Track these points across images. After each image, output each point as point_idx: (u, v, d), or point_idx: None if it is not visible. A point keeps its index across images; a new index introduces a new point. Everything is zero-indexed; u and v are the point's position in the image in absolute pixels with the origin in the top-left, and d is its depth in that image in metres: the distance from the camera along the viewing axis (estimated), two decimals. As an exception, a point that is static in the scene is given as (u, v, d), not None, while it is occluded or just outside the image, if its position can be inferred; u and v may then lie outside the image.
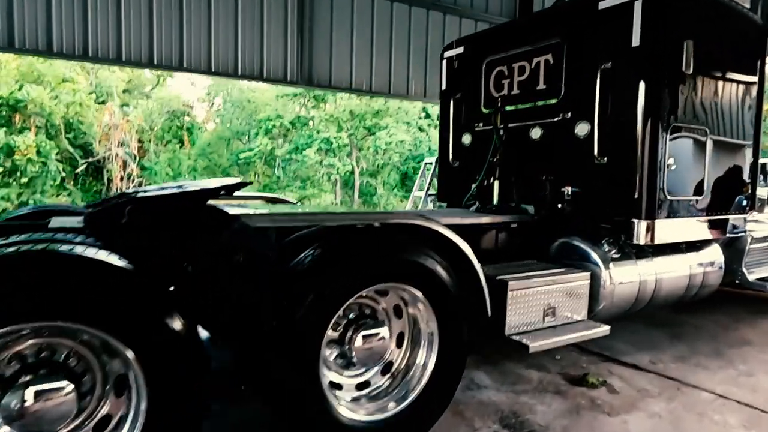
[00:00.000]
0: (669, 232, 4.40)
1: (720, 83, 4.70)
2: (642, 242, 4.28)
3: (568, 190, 4.72)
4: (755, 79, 5.01)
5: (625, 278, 4.30)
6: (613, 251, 4.36)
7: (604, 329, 4.04)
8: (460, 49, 6.00)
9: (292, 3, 7.61)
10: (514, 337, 3.68)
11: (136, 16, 6.79)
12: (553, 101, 4.85)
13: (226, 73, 7.53)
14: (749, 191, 5.14)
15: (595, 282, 4.23)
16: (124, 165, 20.20)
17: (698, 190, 4.58)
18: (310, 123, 24.42)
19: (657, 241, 4.33)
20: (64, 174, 19.27)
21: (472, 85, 5.74)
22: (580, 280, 4.12)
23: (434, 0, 8.61)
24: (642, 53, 4.19)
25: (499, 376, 4.21)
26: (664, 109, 4.25)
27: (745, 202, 5.10)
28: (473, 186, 5.50)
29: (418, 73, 9.04)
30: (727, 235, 5.13)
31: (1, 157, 15.85)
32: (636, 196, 4.25)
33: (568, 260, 4.45)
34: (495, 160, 5.29)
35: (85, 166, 20.46)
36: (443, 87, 6.31)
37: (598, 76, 4.38)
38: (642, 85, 4.20)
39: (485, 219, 4.47)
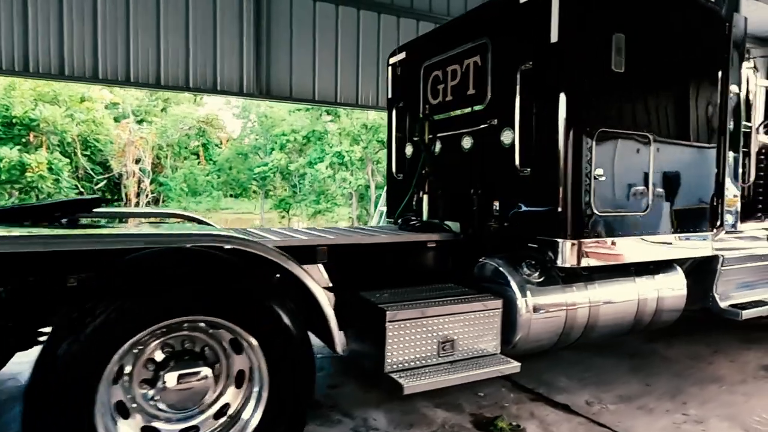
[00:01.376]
0: (601, 253, 3.84)
1: (668, 83, 4.12)
2: (567, 264, 3.73)
3: (496, 205, 4.24)
4: (717, 76, 4.40)
5: (547, 306, 3.75)
6: (535, 275, 3.82)
7: (513, 366, 3.51)
8: (403, 55, 5.61)
9: (247, 13, 7.40)
10: (392, 375, 3.20)
11: (79, 28, 6.68)
12: (480, 107, 4.39)
13: (176, 86, 7.35)
14: (719, 206, 4.50)
15: (510, 310, 3.71)
16: (141, 181, 20.59)
17: (640, 204, 3.99)
18: (329, 136, 24.35)
19: (586, 264, 3.77)
20: (82, 190, 19.82)
21: (413, 92, 5.33)
22: (488, 309, 3.61)
23: (389, 3, 8.17)
24: (561, 50, 3.69)
25: (400, 415, 3.72)
26: (587, 113, 3.72)
27: (711, 219, 4.46)
28: (404, 201, 5.07)
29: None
30: (690, 255, 4.50)
31: (15, 174, 16.33)
32: (559, 211, 3.72)
33: (487, 284, 3.94)
34: (424, 172, 4.84)
35: (105, 182, 20.99)
36: (389, 95, 5.93)
37: (518, 77, 3.90)
38: (562, 87, 3.70)
39: (389, 238, 4.01)
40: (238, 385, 2.83)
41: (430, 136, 4.90)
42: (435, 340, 3.41)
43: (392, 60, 5.79)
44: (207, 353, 2.76)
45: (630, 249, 3.97)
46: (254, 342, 2.68)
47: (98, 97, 20.35)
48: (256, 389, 2.77)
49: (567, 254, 3.72)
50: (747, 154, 5.28)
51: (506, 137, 4.09)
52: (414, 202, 5.21)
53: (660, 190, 4.09)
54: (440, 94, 4.93)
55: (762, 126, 5.48)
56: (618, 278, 4.15)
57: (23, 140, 16.95)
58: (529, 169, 3.90)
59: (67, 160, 18.44)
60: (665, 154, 4.10)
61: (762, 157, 5.47)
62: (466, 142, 4.55)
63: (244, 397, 2.83)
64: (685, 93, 4.24)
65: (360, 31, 8.22)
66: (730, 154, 4.57)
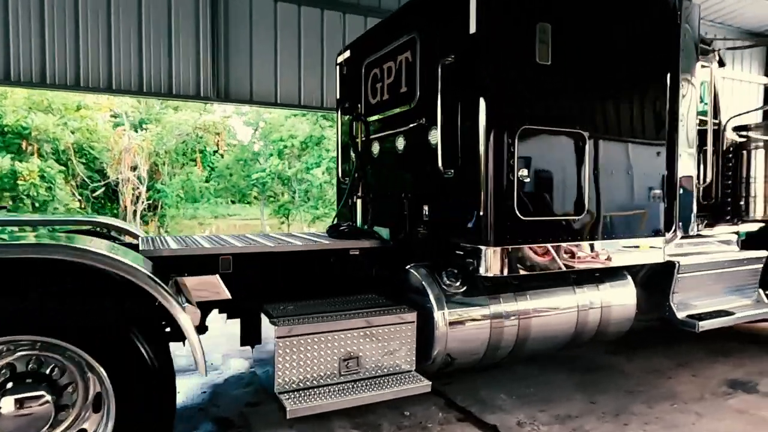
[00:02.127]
0: (529, 261, 3.54)
1: (606, 75, 3.81)
2: (491, 273, 3.43)
3: (425, 209, 3.97)
4: (666, 68, 4.08)
5: (467, 319, 3.47)
6: (457, 285, 3.54)
7: (423, 385, 3.23)
8: (348, 53, 5.37)
9: (203, 15, 7.21)
10: (281, 396, 2.94)
11: (26, 32, 6.53)
12: (411, 106, 4.12)
13: (129, 90, 7.16)
14: (672, 209, 4.17)
15: (427, 323, 3.43)
16: (135, 188, 20.60)
17: (575, 208, 3.69)
18: (326, 142, 24.18)
19: (511, 273, 3.48)
20: (80, 198, 19.86)
21: (356, 91, 5.09)
22: (401, 322, 3.33)
23: (355, 3, 7.87)
24: (479, 41, 3.42)
25: (309, 437, 3.45)
26: (508, 109, 3.44)
27: (661, 223, 4.12)
28: (338, 207, 4.82)
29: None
30: (636, 262, 4.17)
31: (8, 182, 16.37)
32: (481, 215, 3.43)
33: (409, 294, 3.67)
34: (357, 176, 4.59)
35: (103, 189, 21.02)
36: (337, 95, 5.69)
37: (440, 72, 3.63)
38: (480, 81, 3.42)
39: (303, 246, 3.75)
40: (96, 410, 2.59)
41: (366, 138, 4.65)
42: (336, 357, 3.14)
43: (339, 59, 5.56)
44: (57, 375, 2.52)
45: (563, 256, 3.66)
46: (97, 365, 2.44)
47: (107, 105, 20.43)
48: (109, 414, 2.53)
49: (490, 262, 3.42)
50: (714, 152, 4.99)
51: (433, 137, 3.82)
52: (338, 208, 5.00)
53: (598, 192, 3.78)
54: (378, 93, 4.68)
55: (728, 122, 5.14)
56: (553, 288, 3.85)
57: (16, 149, 17.03)
58: (452, 171, 3.62)
59: (63, 168, 18.45)
60: (604, 153, 3.79)
61: (731, 155, 5.12)
62: (399, 144, 4.29)
63: (104, 423, 2.59)
64: (628, 87, 3.92)
65: (324, 31, 7.98)
66: (686, 153, 4.24)
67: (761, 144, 4.97)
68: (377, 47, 4.67)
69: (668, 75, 4.08)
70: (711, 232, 5.15)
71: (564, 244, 3.64)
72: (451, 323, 3.41)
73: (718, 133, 5.09)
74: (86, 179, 19.15)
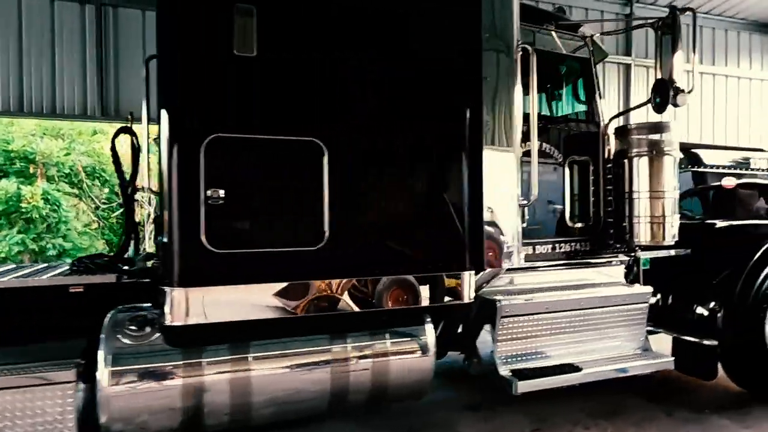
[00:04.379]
0: (234, 307, 2.76)
1: (357, 67, 2.96)
2: (176, 322, 2.70)
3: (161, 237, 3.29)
4: (458, 57, 3.19)
5: (144, 378, 2.73)
6: (144, 334, 2.82)
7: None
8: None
9: (90, 33, 6.91)
10: None
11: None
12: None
13: (7, 112, 6.97)
14: (475, 235, 3.22)
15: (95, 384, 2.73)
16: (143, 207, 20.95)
17: (308, 237, 2.88)
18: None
19: (200, 321, 2.72)
20: (94, 218, 20.47)
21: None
22: (45, 383, 2.65)
23: None
24: (162, 29, 2.75)
25: None
26: (192, 113, 2.71)
27: (465, 254, 3.20)
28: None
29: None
30: (438, 303, 3.26)
31: (15, 205, 17.04)
32: (166, 247, 2.72)
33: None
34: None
35: (120, 210, 21.60)
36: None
37: (145, 70, 2.98)
38: (162, 79, 2.74)
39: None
40: None
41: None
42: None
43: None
44: None
45: (286, 298, 2.86)
46: None
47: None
48: None
49: (174, 307, 2.69)
50: (592, 162, 4.04)
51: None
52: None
53: (352, 217, 2.96)
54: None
55: (608, 124, 4.13)
56: (293, 339, 3.03)
57: (24, 173, 17.78)
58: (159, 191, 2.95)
59: (75, 191, 19.08)
60: (361, 167, 2.98)
61: (610, 166, 4.10)
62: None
63: None
64: (398, 82, 3.05)
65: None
66: (501, 165, 3.33)
67: (645, 150, 3.93)
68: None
69: (465, 67, 3.20)
70: (596, 261, 4.17)
71: (287, 283, 2.85)
72: (123, 383, 2.70)
73: (597, 138, 4.12)
74: (96, 201, 19.75)
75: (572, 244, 4.00)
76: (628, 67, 9.77)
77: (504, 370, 3.37)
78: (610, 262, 4.17)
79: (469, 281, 3.24)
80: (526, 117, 3.56)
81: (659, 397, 4.43)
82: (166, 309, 2.69)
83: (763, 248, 4.17)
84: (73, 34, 6.89)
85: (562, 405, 4.21)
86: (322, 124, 2.90)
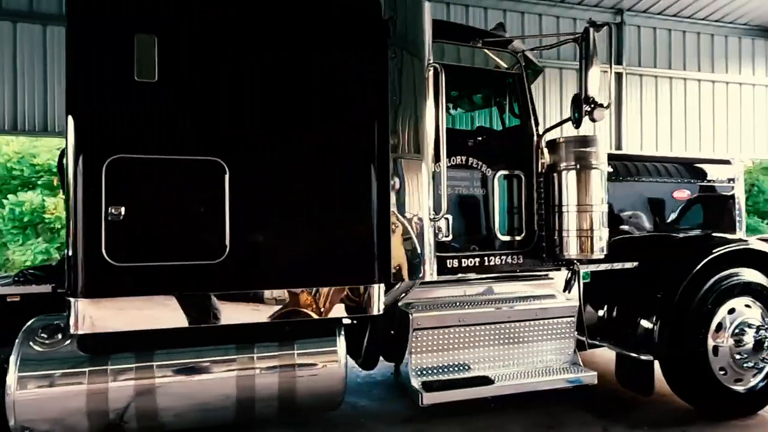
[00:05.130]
0: (129, 317, 2.93)
1: (255, 90, 3.08)
2: (80, 330, 2.87)
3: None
4: (368, 80, 3.30)
5: (49, 382, 2.91)
6: (54, 340, 3.01)
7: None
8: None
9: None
10: None
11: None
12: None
13: (2, 130, 7.45)
14: (384, 250, 3.29)
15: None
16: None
17: (210, 250, 3.02)
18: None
19: (108, 329, 2.90)
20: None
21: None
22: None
23: None
24: (69, 55, 2.95)
25: None
26: (91, 134, 2.90)
27: (374, 267, 3.28)
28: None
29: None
30: (345, 315, 3.36)
31: (40, 216, 17.89)
32: (71, 260, 2.91)
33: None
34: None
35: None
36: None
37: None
38: (68, 102, 2.93)
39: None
40: None
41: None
42: None
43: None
44: None
45: (189, 309, 3.00)
46: None
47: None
48: None
49: (79, 317, 2.87)
50: (525, 175, 4.08)
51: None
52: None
53: (256, 231, 3.10)
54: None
55: (542, 137, 4.15)
56: (200, 347, 3.18)
57: (49, 186, 18.70)
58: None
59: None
60: (258, 184, 3.10)
61: (542, 179, 4.12)
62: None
63: None
64: (297, 103, 3.17)
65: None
66: (412, 180, 3.40)
67: (572, 164, 3.94)
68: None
69: (370, 87, 3.29)
70: (527, 274, 4.19)
71: (191, 294, 3.00)
72: (30, 388, 2.89)
73: (531, 152, 4.16)
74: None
75: (503, 257, 4.03)
76: (619, 75, 9.66)
77: (416, 382, 3.43)
78: (543, 275, 4.18)
79: (378, 294, 3.33)
80: (449, 132, 3.64)
81: (601, 410, 4.38)
82: (71, 319, 2.88)
83: (703, 262, 4.12)
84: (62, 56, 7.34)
85: (502, 417, 4.22)
86: (224, 144, 3.06)
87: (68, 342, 3.03)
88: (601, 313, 4.44)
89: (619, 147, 9.41)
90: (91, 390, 2.96)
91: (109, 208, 2.86)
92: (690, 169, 4.97)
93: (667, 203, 4.84)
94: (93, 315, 2.88)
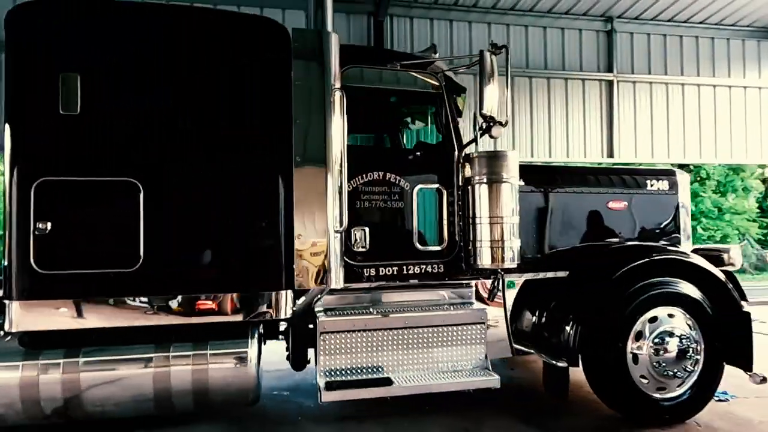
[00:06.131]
0: (55, 317, 3.37)
1: (162, 117, 3.53)
2: (14, 329, 3.35)
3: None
4: (272, 104, 3.66)
5: (-12, 374, 3.39)
6: (-2, 337, 3.49)
7: None
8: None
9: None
10: None
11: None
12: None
13: None
14: (285, 259, 3.63)
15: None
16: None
17: (125, 260, 3.43)
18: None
19: (32, 328, 3.38)
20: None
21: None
22: None
23: None
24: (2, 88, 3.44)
25: None
26: (22, 160, 3.37)
27: (284, 276, 3.62)
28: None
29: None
30: (259, 318, 3.70)
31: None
32: (6, 268, 3.38)
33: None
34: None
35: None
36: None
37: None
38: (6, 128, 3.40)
39: None
40: None
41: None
42: None
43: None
44: None
45: (108, 311, 3.42)
46: None
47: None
48: None
49: (13, 317, 3.35)
50: (447, 189, 4.30)
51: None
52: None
53: (169, 242, 3.51)
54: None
55: (461, 153, 4.37)
56: (122, 345, 3.59)
57: None
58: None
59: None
60: (170, 201, 3.52)
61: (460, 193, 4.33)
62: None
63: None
64: (205, 129, 3.58)
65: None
66: (312, 193, 3.71)
67: (484, 178, 4.14)
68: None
69: (273, 110, 3.66)
70: (444, 282, 4.39)
71: (107, 299, 3.42)
72: (-30, 377, 3.37)
73: (451, 165, 4.38)
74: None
75: (422, 266, 4.26)
76: (610, 83, 9.61)
77: (320, 381, 3.73)
78: (465, 284, 4.38)
79: (285, 299, 3.67)
80: (365, 149, 3.94)
81: (526, 415, 4.51)
82: (7, 318, 3.36)
83: (620, 271, 4.22)
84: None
85: (425, 421, 4.43)
86: (138, 166, 3.48)
87: (9, 338, 3.52)
88: (533, 320, 4.61)
89: (610, 155, 9.35)
90: (22, 381, 3.43)
91: (37, 224, 3.33)
92: (627, 180, 5.04)
93: (603, 213, 4.94)
94: (25, 316, 3.36)
